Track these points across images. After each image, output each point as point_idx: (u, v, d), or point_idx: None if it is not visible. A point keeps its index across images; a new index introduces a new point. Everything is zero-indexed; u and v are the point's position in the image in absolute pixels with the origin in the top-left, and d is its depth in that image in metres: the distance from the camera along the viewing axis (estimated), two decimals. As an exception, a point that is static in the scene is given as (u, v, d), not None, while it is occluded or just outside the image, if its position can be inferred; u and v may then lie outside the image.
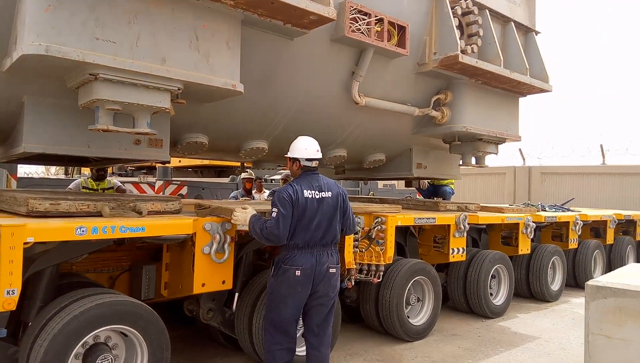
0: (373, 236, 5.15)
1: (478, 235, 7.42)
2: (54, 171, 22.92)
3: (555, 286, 8.08)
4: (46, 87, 3.72)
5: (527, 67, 6.34)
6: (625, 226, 10.57)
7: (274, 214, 3.63)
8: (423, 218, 5.75)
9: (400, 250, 6.17)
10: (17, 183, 8.41)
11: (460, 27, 5.72)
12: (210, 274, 3.92)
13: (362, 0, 4.78)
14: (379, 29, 4.95)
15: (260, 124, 5.29)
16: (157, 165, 11.73)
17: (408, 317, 5.59)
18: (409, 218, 5.56)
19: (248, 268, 4.60)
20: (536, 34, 6.89)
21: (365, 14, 4.80)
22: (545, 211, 8.67)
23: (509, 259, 7.05)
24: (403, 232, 6.22)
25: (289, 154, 3.96)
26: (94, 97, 3.32)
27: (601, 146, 16.31)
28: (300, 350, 4.18)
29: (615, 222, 9.52)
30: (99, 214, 3.53)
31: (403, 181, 9.49)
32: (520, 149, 17.83)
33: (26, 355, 3.08)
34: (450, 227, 6.05)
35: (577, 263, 8.95)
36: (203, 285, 3.89)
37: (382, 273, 5.15)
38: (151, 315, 3.48)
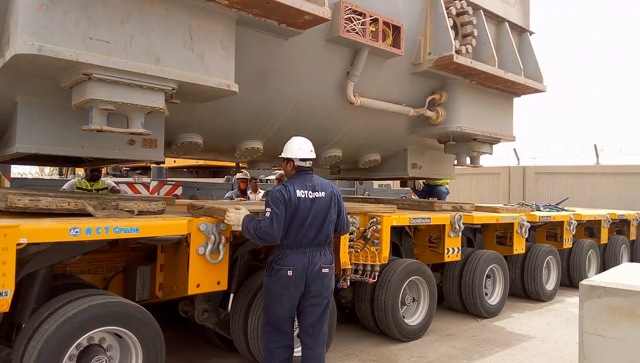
0: (368, 236, 5.14)
1: (473, 235, 7.44)
2: (48, 172, 22.82)
3: (549, 285, 8.11)
4: (39, 87, 3.70)
5: (522, 67, 6.36)
6: (619, 225, 10.62)
7: (267, 214, 3.64)
8: (418, 218, 5.76)
9: (395, 250, 6.17)
10: (10, 183, 8.37)
11: (454, 27, 5.74)
12: (205, 275, 3.90)
13: (357, 0, 4.79)
14: (373, 29, 4.95)
15: (255, 124, 5.28)
16: (152, 165, 11.70)
17: (403, 317, 5.60)
18: (404, 218, 5.56)
19: (243, 269, 4.59)
20: (530, 35, 6.91)
21: (360, 14, 4.81)
22: (540, 210, 8.70)
23: (503, 259, 7.07)
24: (398, 232, 6.22)
25: (283, 155, 3.96)
26: (88, 97, 3.30)
27: (595, 146, 16.38)
28: (297, 351, 4.17)
29: (609, 222, 9.57)
30: (81, 213, 3.50)
31: (398, 181, 9.50)
32: (514, 149, 17.88)
33: (20, 357, 3.06)
34: (445, 227, 6.06)
35: (571, 263, 8.98)
36: (198, 285, 3.87)
37: (377, 273, 5.16)
38: (145, 316, 3.46)
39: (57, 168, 16.26)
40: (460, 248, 6.28)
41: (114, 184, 7.62)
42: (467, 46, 5.68)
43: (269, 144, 5.54)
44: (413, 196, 10.86)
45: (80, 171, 12.31)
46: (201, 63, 3.76)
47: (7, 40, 3.24)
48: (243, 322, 4.32)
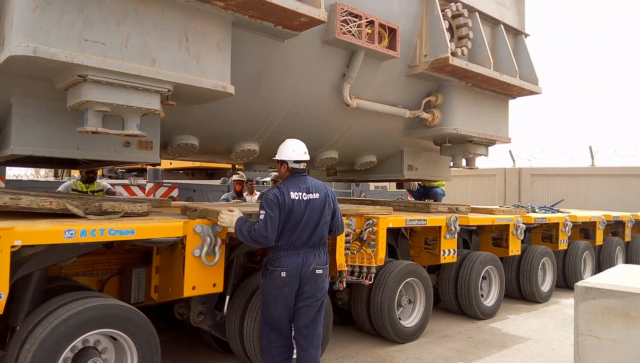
0: (364, 238, 5.15)
1: (469, 237, 7.45)
2: (43, 174, 22.73)
3: (545, 287, 8.13)
4: (34, 88, 3.68)
5: (517, 69, 6.39)
6: (614, 227, 10.67)
7: (261, 217, 3.65)
8: (414, 220, 5.77)
9: (391, 252, 6.17)
10: (5, 185, 8.33)
11: (450, 29, 5.75)
12: (201, 277, 3.89)
13: (353, 2, 4.79)
14: (369, 31, 4.96)
15: (251, 126, 5.28)
16: (148, 167, 11.67)
17: (399, 319, 5.60)
18: (400, 219, 5.57)
19: (239, 271, 4.59)
20: (525, 37, 6.94)
21: (356, 16, 4.81)
22: (535, 212, 8.73)
23: (499, 260, 7.08)
24: (394, 234, 6.23)
25: (277, 157, 3.99)
26: (83, 99, 3.29)
27: (590, 147, 16.45)
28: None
29: (604, 223, 9.61)
30: (63, 213, 3.48)
31: (395, 183, 9.51)
32: (510, 151, 17.93)
33: (14, 360, 3.04)
34: (441, 229, 6.07)
35: (567, 264, 9.01)
36: (193, 288, 3.86)
37: (373, 275, 5.15)
38: (141, 318, 3.45)
39: (53, 169, 16.20)
40: (456, 249, 6.29)
41: (110, 186, 7.59)
42: (462, 48, 5.70)
43: (265, 146, 5.54)
44: (409, 198, 10.87)
45: (76, 173, 12.27)
46: (197, 65, 3.76)
47: (1, 41, 3.22)
48: (239, 324, 4.31)
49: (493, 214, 7.13)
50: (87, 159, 4.52)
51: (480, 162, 7.35)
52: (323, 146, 6.18)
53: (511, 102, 7.09)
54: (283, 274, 3.69)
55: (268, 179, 13.05)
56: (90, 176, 6.86)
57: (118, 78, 3.34)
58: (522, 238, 7.35)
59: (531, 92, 6.73)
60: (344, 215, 4.81)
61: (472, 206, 7.48)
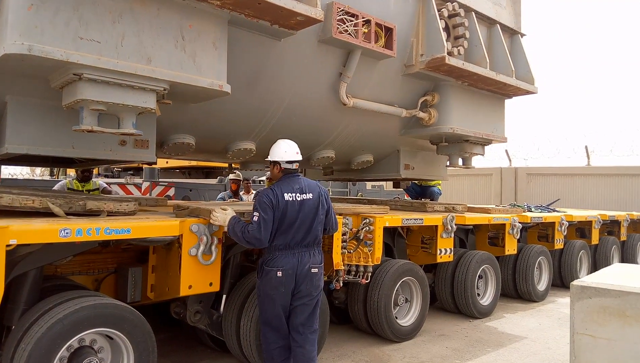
0: (361, 237, 5.15)
1: (465, 236, 7.47)
2: (39, 173, 22.66)
3: (541, 286, 8.15)
4: (29, 87, 3.67)
5: (513, 69, 6.40)
6: (610, 226, 10.70)
7: (255, 219, 3.67)
8: (411, 219, 5.77)
9: (388, 251, 6.18)
10: (0, 183, 8.29)
11: (446, 29, 5.76)
12: (197, 276, 3.89)
13: (350, 2, 4.79)
14: (366, 30, 4.96)
15: (247, 125, 5.27)
16: (144, 166, 11.64)
17: (396, 318, 5.60)
18: (396, 219, 5.57)
19: (236, 270, 4.58)
20: (521, 37, 6.95)
21: (353, 15, 4.81)
22: (532, 211, 8.74)
23: (495, 259, 7.10)
24: (391, 233, 6.23)
25: (270, 158, 4.00)
26: (78, 98, 3.27)
27: (586, 147, 16.49)
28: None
29: (600, 222, 9.64)
30: (46, 211, 3.45)
31: (391, 182, 9.52)
32: (506, 150, 17.97)
33: (9, 359, 3.03)
34: (437, 228, 6.07)
35: (563, 263, 9.04)
36: (190, 287, 3.86)
37: (370, 274, 5.16)
38: (137, 317, 3.44)
39: (48, 168, 16.14)
40: (452, 248, 6.30)
41: (106, 185, 7.57)
42: (459, 48, 5.70)
43: (262, 145, 5.53)
44: (406, 197, 10.88)
45: (72, 172, 12.24)
46: (193, 63, 3.75)
47: (-4, 39, 3.20)
48: (235, 323, 4.31)
49: (489, 213, 7.14)
50: (82, 158, 4.51)
51: (477, 161, 7.36)
52: (320, 145, 6.18)
53: (507, 101, 7.11)
54: (279, 274, 3.71)
55: (264, 178, 13.04)
56: (85, 175, 6.84)
57: (113, 77, 3.32)
58: (518, 237, 7.37)
59: (527, 92, 6.75)
60: (340, 214, 4.82)
61: (468, 205, 7.49)
